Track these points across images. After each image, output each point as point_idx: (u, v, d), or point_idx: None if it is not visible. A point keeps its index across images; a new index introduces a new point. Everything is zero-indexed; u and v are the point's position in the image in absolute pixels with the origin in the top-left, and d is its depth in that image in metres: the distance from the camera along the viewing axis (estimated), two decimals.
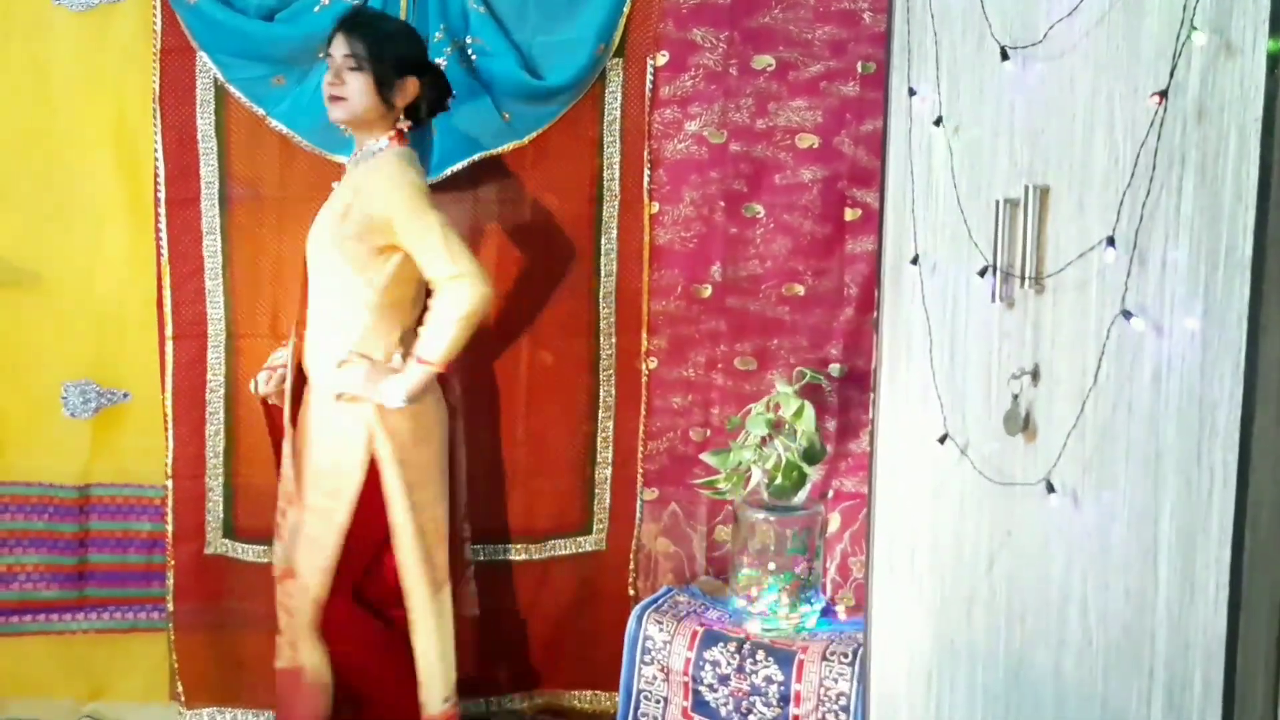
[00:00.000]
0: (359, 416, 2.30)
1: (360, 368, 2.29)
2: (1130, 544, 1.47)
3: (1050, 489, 1.59)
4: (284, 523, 2.44)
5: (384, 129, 2.36)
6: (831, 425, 2.72)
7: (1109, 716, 1.52)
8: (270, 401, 2.51)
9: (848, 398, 2.73)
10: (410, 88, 2.35)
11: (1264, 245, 1.25)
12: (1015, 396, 1.67)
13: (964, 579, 1.85)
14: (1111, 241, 1.44)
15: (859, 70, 2.66)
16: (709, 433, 2.77)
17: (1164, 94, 1.34)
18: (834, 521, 2.74)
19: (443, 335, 2.25)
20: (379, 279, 2.31)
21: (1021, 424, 1.66)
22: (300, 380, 2.42)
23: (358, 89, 2.30)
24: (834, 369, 2.73)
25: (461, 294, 2.23)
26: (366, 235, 2.29)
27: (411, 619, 2.39)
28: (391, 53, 2.33)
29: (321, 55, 2.40)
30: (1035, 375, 1.65)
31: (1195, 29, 1.30)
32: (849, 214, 2.70)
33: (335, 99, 2.31)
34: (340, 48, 2.31)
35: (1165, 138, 1.37)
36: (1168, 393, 1.40)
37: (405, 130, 2.39)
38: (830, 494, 2.74)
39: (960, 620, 1.86)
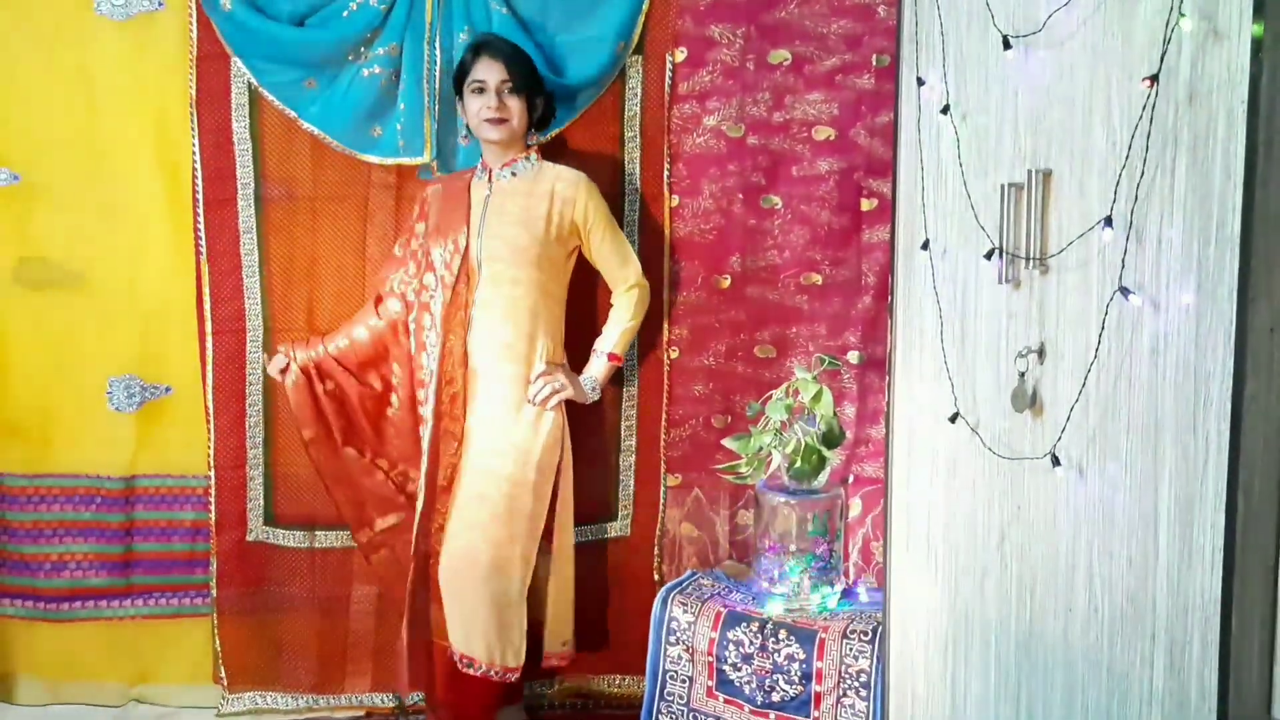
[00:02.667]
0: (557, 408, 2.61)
1: (556, 372, 2.58)
2: (1132, 513, 1.53)
3: (1056, 462, 1.64)
4: (427, 510, 2.63)
5: (522, 144, 2.63)
6: (851, 411, 2.78)
7: (1115, 680, 1.58)
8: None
9: (867, 384, 2.78)
10: (539, 106, 2.63)
11: (1251, 222, 1.31)
12: (1022, 374, 1.73)
13: (977, 554, 1.90)
14: (1109, 221, 1.50)
15: (873, 63, 2.71)
16: (730, 419, 2.84)
17: (1155, 78, 1.40)
18: (855, 506, 2.80)
19: (627, 334, 2.67)
20: (566, 280, 2.65)
21: (1029, 400, 1.72)
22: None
23: (518, 111, 2.56)
24: (853, 356, 2.79)
25: (640, 298, 2.66)
26: (565, 239, 2.61)
27: (559, 573, 2.68)
28: (535, 76, 2.58)
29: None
30: (1041, 353, 1.70)
31: (1183, 15, 1.36)
32: (865, 204, 2.76)
33: (499, 121, 2.55)
34: (496, 73, 2.54)
35: (1158, 121, 1.42)
36: (1165, 365, 1.46)
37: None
38: (851, 479, 2.79)
39: (974, 594, 1.92)
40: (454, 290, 2.59)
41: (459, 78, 2.60)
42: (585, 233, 2.62)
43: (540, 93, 2.61)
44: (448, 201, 2.66)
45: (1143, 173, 1.45)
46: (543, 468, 2.57)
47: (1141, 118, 1.44)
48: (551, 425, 2.58)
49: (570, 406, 2.64)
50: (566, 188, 2.60)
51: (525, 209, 2.58)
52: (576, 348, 2.70)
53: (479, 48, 2.56)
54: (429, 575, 2.62)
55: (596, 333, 2.70)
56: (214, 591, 2.84)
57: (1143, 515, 1.51)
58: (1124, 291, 1.48)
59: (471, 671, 2.53)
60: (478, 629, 2.52)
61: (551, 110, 2.68)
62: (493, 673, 2.53)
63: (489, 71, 2.53)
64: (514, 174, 2.61)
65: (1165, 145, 1.42)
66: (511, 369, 2.57)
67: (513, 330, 2.57)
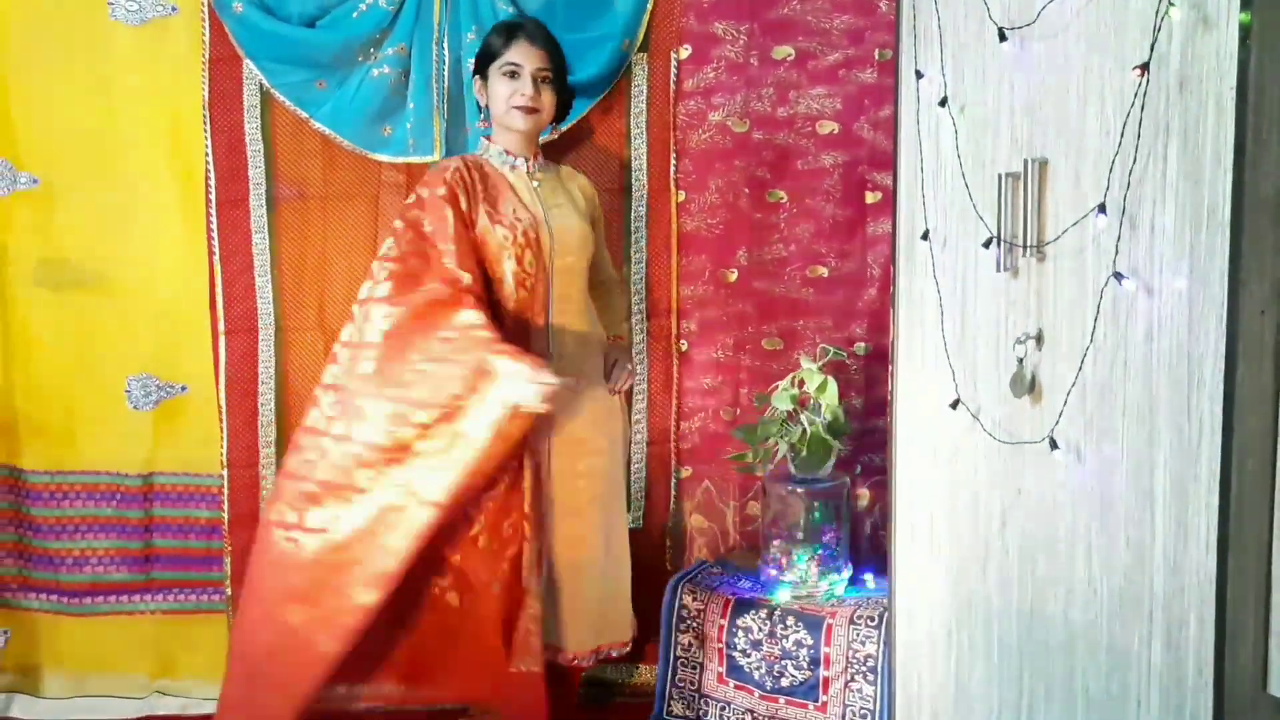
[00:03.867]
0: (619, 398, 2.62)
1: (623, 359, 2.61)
2: (1129, 494, 1.56)
3: (1054, 446, 1.67)
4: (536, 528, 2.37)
5: (537, 141, 2.51)
6: (858, 402, 2.81)
7: (1114, 659, 1.61)
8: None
9: (873, 375, 2.81)
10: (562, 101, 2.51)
11: (1241, 206, 1.34)
12: (1021, 360, 1.76)
13: (979, 538, 1.93)
14: (1103, 208, 1.52)
15: (876, 57, 2.74)
16: (739, 412, 2.87)
17: (1145, 66, 1.43)
18: (863, 496, 2.83)
19: (625, 320, 2.75)
20: None
21: (1028, 386, 1.75)
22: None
23: (549, 103, 2.44)
24: (859, 347, 2.81)
25: (623, 288, 2.78)
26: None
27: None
28: (567, 70, 2.49)
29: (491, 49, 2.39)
30: (1039, 339, 1.73)
31: (1173, 4, 1.38)
32: (869, 197, 2.78)
33: (530, 110, 2.39)
34: (536, 61, 2.39)
35: (1150, 108, 1.45)
36: (1159, 349, 1.48)
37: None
38: (859, 469, 2.82)
39: (976, 577, 1.94)
40: (533, 289, 2.39)
41: (484, 58, 2.43)
42: (595, 232, 2.61)
43: (565, 88, 2.51)
44: (495, 186, 2.41)
45: (1135, 160, 1.48)
46: (627, 451, 2.67)
47: (1133, 106, 1.46)
48: (625, 410, 2.65)
49: None
50: (586, 187, 2.61)
51: (572, 200, 2.51)
52: None
53: (513, 29, 2.41)
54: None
55: None
56: (228, 589, 2.88)
57: (1139, 496, 1.54)
58: (1118, 277, 1.51)
59: (578, 664, 2.48)
60: (600, 619, 2.48)
61: (569, 106, 2.60)
62: (604, 655, 2.50)
63: (526, 57, 2.39)
64: (544, 169, 2.50)
65: (1157, 132, 1.45)
66: (592, 362, 2.51)
67: (587, 322, 2.51)
